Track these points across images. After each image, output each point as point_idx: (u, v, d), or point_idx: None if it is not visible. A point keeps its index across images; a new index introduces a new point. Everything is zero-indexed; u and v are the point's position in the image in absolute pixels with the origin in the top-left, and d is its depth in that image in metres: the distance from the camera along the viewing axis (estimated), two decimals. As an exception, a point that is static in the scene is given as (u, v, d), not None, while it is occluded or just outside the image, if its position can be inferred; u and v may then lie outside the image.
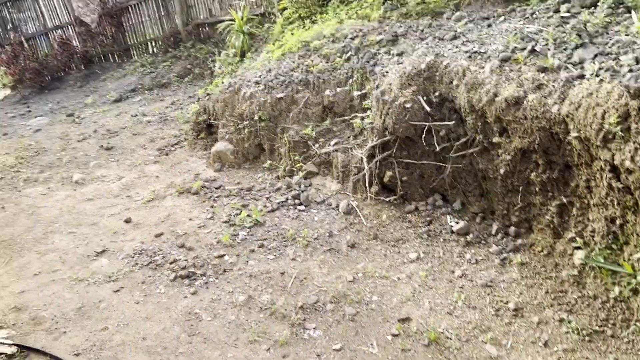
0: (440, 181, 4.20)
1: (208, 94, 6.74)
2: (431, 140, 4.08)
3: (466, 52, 3.97)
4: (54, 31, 12.64)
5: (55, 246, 4.40)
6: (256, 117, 5.51)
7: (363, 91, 5.03)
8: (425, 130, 4.07)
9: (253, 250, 3.99)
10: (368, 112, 4.80)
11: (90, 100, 10.01)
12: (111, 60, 12.32)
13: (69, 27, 12.38)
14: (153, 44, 11.72)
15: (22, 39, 12.75)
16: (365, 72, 5.04)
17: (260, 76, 5.81)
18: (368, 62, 5.09)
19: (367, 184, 4.39)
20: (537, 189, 3.46)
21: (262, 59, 6.48)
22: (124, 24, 11.79)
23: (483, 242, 3.76)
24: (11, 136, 8.39)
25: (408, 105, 4.11)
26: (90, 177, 5.93)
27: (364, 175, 4.41)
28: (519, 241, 3.63)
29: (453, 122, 3.96)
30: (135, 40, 11.90)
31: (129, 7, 11.59)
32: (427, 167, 4.23)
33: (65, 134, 7.92)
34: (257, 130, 5.55)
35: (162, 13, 11.22)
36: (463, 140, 3.94)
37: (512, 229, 3.72)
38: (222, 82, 6.68)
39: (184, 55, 10.54)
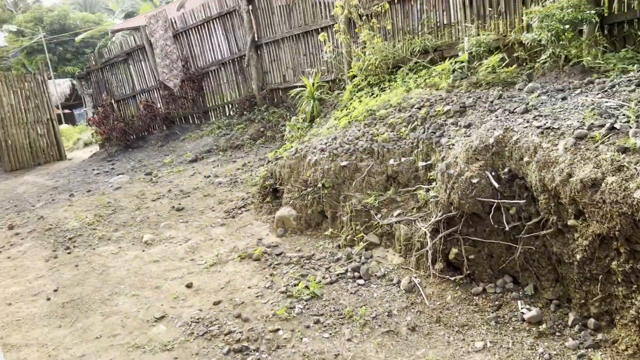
0: (511, 262, 3.92)
1: (277, 158, 6.88)
2: (500, 218, 3.85)
3: (538, 127, 3.78)
4: (141, 94, 13.64)
5: (119, 309, 4.50)
6: (319, 184, 5.51)
7: (428, 162, 4.91)
8: (493, 208, 3.86)
9: (308, 327, 3.86)
10: (433, 184, 4.66)
11: (168, 160, 10.54)
12: (190, 121, 13.03)
13: (154, 90, 13.31)
14: (230, 107, 12.30)
15: (113, 100, 13.83)
16: (431, 143, 4.93)
17: (325, 143, 5.86)
18: (434, 133, 4.99)
19: (430, 261, 4.19)
20: (620, 279, 3.12)
21: (328, 126, 6.56)
22: (204, 88, 12.50)
23: (558, 333, 3.42)
24: (94, 193, 8.92)
25: (475, 181, 3.93)
26: (159, 237, 6.11)
27: (428, 251, 4.22)
28: (600, 336, 3.26)
29: (524, 200, 3.73)
30: (214, 103, 12.56)
31: (209, 72, 12.31)
32: (496, 246, 3.98)
33: (141, 192, 8.31)
34: (320, 198, 5.53)
35: (240, 78, 11.81)
36: (535, 220, 3.69)
37: (591, 321, 3.36)
38: (290, 147, 6.81)
39: (257, 118, 10.93)
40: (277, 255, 5.18)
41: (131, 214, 7.19)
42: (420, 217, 4.61)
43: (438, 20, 7.26)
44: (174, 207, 7.15)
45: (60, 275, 5.43)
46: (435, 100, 5.51)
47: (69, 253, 6.05)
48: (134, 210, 7.36)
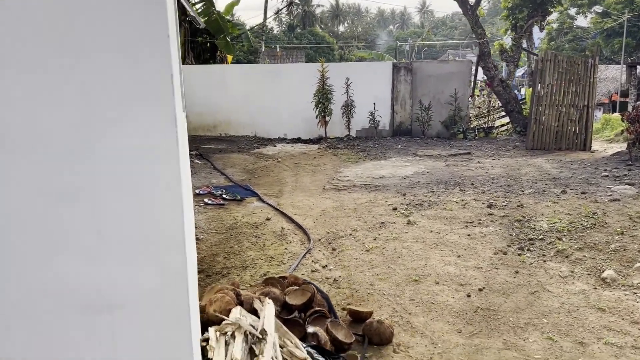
0: None
1: None
2: None
3: None
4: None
5: (528, 348, 3.76)
6: None
7: None
8: None
9: None
10: None
11: (698, 183, 8.18)
12: None
13: None
14: None
15: (658, 98, 11.75)
16: None
17: None
18: None
19: None
20: None
21: None
22: None
23: None
24: (587, 197, 7.93)
25: None
26: (622, 281, 4.78)
27: None
28: None
29: None
30: None
31: None
32: None
33: (638, 213, 6.76)
34: None
35: None
36: None
37: None
38: None
39: None
40: None
41: (608, 237, 5.94)
42: None
43: None
44: (666, 248, 5.44)
45: (496, 275, 5.06)
46: None
47: (519, 254, 5.58)
48: (613, 234, 6.05)
